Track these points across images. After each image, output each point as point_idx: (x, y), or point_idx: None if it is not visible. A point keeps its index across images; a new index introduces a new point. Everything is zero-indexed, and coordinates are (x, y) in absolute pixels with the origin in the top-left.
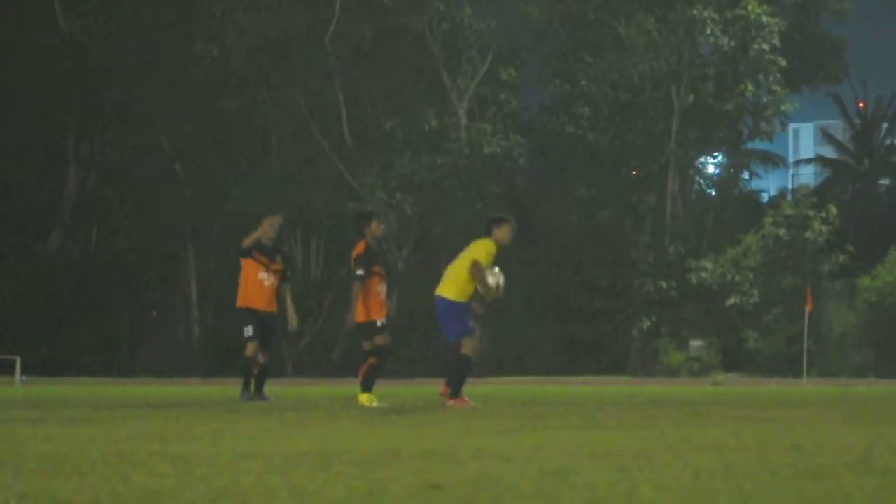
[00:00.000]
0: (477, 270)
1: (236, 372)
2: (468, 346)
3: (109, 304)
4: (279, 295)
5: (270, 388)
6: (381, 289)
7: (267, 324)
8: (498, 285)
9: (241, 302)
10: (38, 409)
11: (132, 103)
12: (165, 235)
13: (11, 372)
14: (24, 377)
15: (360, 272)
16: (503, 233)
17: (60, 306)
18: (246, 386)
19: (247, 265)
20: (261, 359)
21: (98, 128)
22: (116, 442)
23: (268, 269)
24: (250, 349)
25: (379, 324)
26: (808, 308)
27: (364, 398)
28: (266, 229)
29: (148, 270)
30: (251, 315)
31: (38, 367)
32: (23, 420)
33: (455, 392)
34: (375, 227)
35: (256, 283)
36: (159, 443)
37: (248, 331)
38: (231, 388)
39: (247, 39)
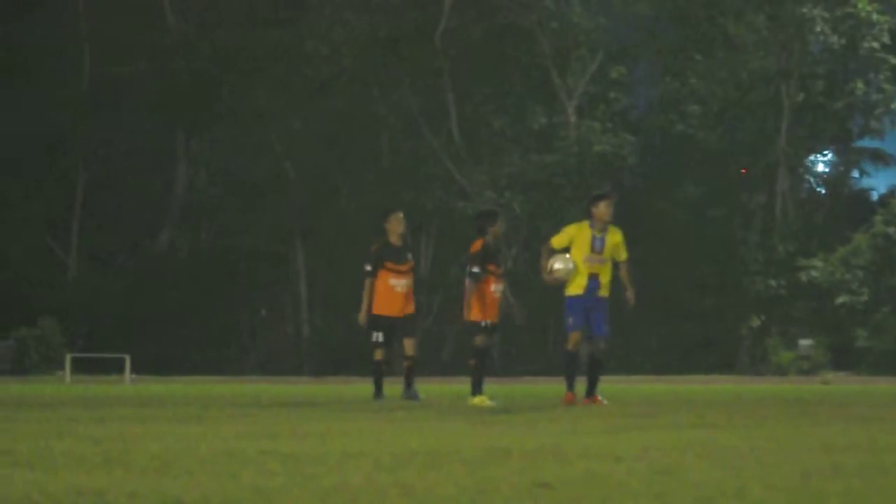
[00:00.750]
0: (543, 249)
1: (345, 371)
2: (568, 340)
3: (219, 303)
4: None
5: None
6: (495, 288)
7: (400, 324)
8: (552, 269)
9: (374, 309)
10: (147, 408)
11: (242, 101)
12: (275, 234)
13: (121, 370)
14: (133, 375)
15: (475, 269)
16: (600, 209)
17: (170, 304)
18: (378, 389)
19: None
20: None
21: (207, 126)
22: (226, 440)
23: (399, 273)
24: (378, 354)
25: (482, 324)
26: None
27: (476, 401)
28: (395, 225)
29: (257, 269)
30: (383, 321)
31: (148, 366)
32: (132, 418)
33: (567, 386)
34: (497, 226)
35: (388, 291)
36: (269, 441)
37: (377, 336)
38: (340, 387)
39: (356, 37)
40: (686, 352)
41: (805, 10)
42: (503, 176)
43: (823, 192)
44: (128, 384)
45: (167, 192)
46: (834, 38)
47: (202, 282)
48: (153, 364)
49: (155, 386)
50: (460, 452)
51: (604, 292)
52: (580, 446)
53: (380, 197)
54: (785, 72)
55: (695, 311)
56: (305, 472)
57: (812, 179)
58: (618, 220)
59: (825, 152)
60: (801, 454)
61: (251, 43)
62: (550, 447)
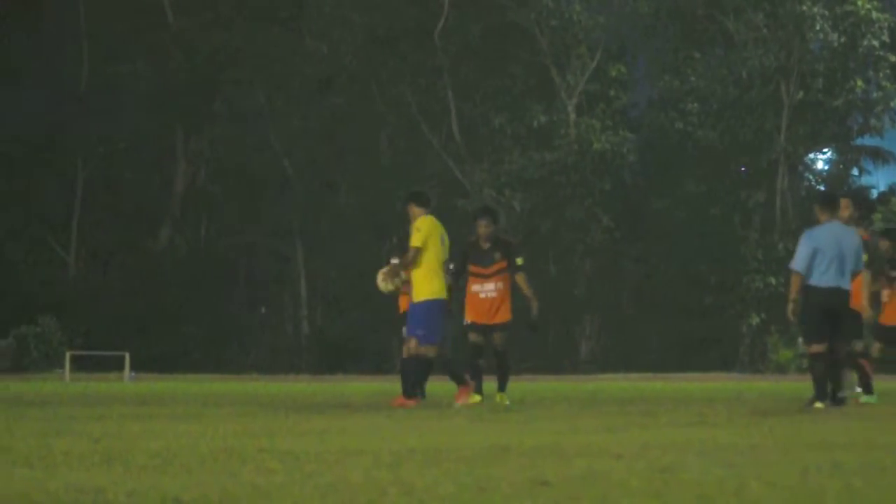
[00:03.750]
0: None
1: (344, 369)
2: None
3: (218, 301)
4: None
5: (379, 385)
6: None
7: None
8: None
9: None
10: (146, 406)
11: (241, 99)
12: (274, 232)
13: (121, 368)
14: (133, 373)
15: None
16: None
17: (169, 302)
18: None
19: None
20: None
21: (207, 124)
22: (225, 438)
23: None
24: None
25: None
26: None
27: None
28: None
29: (257, 267)
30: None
31: (147, 364)
32: (132, 416)
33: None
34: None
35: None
36: (268, 439)
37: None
38: (339, 385)
39: (356, 36)
40: (686, 350)
41: (804, 7)
42: (503, 174)
43: (823, 189)
44: (127, 382)
45: (166, 189)
46: (833, 36)
47: (201, 280)
48: (152, 362)
49: (154, 384)
50: (460, 450)
51: (414, 295)
52: (579, 444)
53: (379, 195)
54: (784, 69)
55: (694, 309)
56: (304, 470)
57: (812, 177)
58: (617, 219)
59: (825, 150)
60: (800, 452)
61: (250, 41)
62: (550, 445)
